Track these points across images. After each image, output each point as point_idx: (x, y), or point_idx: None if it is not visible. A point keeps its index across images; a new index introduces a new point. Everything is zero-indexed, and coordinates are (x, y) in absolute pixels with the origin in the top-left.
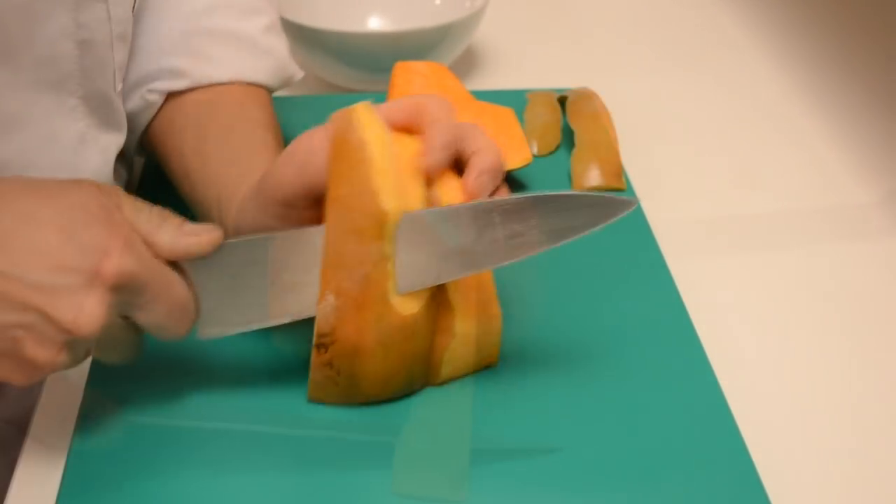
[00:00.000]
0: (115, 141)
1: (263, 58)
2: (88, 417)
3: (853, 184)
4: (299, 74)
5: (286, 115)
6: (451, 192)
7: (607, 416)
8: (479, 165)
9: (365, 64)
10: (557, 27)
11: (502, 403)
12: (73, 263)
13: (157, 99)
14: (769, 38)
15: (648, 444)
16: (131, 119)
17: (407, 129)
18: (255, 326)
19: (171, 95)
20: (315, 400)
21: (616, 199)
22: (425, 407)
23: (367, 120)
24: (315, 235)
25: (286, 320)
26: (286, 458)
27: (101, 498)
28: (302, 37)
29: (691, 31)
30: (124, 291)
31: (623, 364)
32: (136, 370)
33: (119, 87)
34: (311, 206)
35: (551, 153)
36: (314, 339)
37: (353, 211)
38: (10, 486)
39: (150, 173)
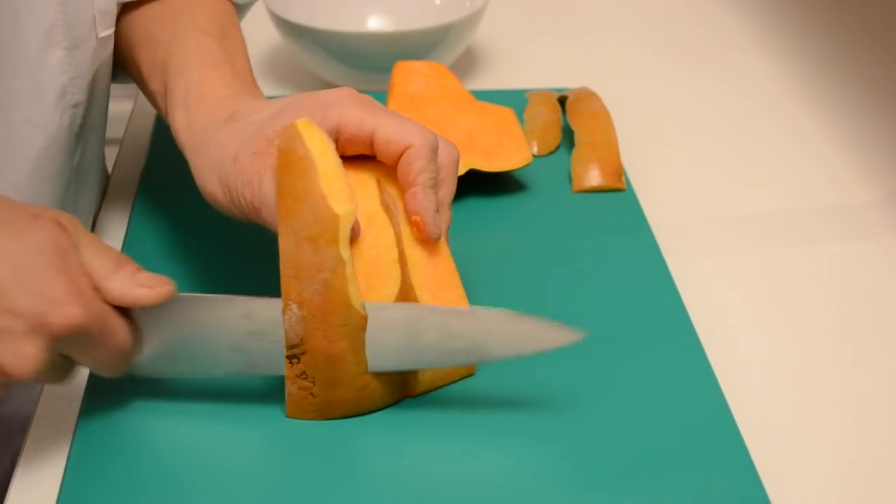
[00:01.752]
0: (82, 58)
1: None
2: (89, 417)
3: (853, 184)
4: None
5: None
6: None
7: (605, 417)
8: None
9: (365, 64)
10: (557, 27)
11: (491, 407)
12: (20, 308)
13: (112, 7)
14: (769, 37)
15: (647, 444)
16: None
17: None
18: (193, 377)
19: (127, 12)
20: (293, 416)
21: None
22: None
23: (308, 132)
24: (273, 309)
25: (227, 376)
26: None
27: (103, 497)
28: (301, 37)
29: (692, 30)
30: (67, 339)
31: (621, 364)
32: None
33: (103, 33)
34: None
35: (551, 153)
36: (285, 352)
37: (305, 219)
38: (10, 486)
39: (154, 165)
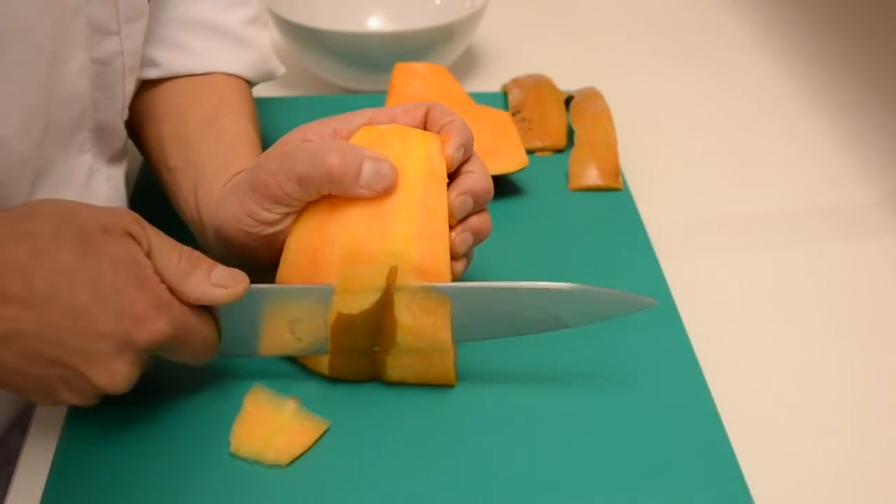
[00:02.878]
0: (121, 168)
1: (244, 50)
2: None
3: (854, 184)
4: (281, 70)
5: (286, 116)
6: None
7: (591, 420)
8: (464, 183)
9: (365, 64)
10: (557, 27)
11: (473, 411)
12: (106, 329)
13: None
14: (769, 37)
15: (632, 449)
16: None
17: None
18: (269, 355)
19: (147, 84)
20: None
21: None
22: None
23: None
24: (329, 293)
25: (297, 354)
26: None
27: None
28: (301, 37)
29: (692, 30)
30: (154, 348)
31: (606, 366)
32: None
33: (125, 115)
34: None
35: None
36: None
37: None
38: (10, 486)
39: (145, 178)
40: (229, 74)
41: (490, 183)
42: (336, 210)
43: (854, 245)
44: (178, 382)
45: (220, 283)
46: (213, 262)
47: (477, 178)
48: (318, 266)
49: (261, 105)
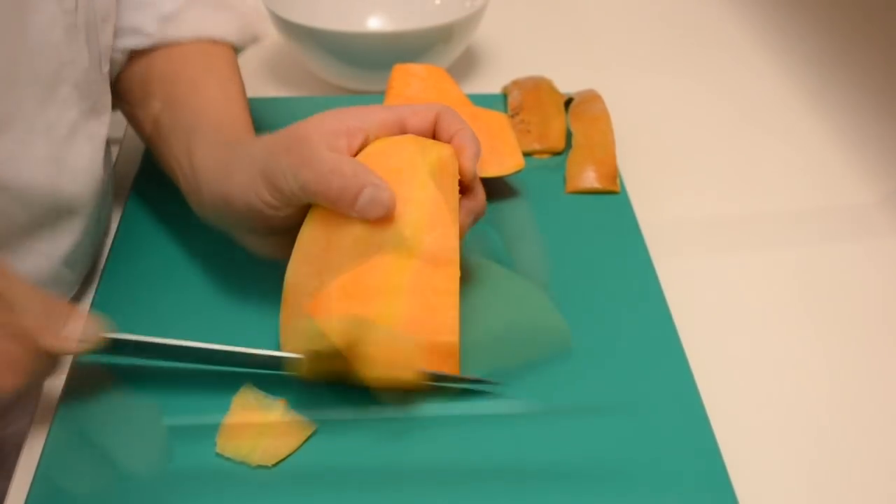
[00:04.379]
0: (102, 126)
1: (228, 15)
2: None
3: (853, 184)
4: (266, 35)
5: (286, 116)
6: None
7: (581, 422)
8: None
9: (365, 64)
10: (557, 29)
11: (462, 410)
12: None
13: (120, 57)
14: (768, 39)
15: (621, 452)
16: None
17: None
18: None
19: (135, 55)
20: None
21: None
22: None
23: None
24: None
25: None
26: None
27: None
28: (301, 37)
29: (691, 32)
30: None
31: (599, 370)
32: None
33: (106, 68)
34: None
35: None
36: None
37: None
38: (10, 486)
39: (148, 167)
40: (215, 41)
41: (485, 199)
42: None
43: (854, 245)
44: (166, 381)
45: (76, 335)
46: (70, 310)
47: (481, 199)
48: (331, 253)
49: (261, 105)
